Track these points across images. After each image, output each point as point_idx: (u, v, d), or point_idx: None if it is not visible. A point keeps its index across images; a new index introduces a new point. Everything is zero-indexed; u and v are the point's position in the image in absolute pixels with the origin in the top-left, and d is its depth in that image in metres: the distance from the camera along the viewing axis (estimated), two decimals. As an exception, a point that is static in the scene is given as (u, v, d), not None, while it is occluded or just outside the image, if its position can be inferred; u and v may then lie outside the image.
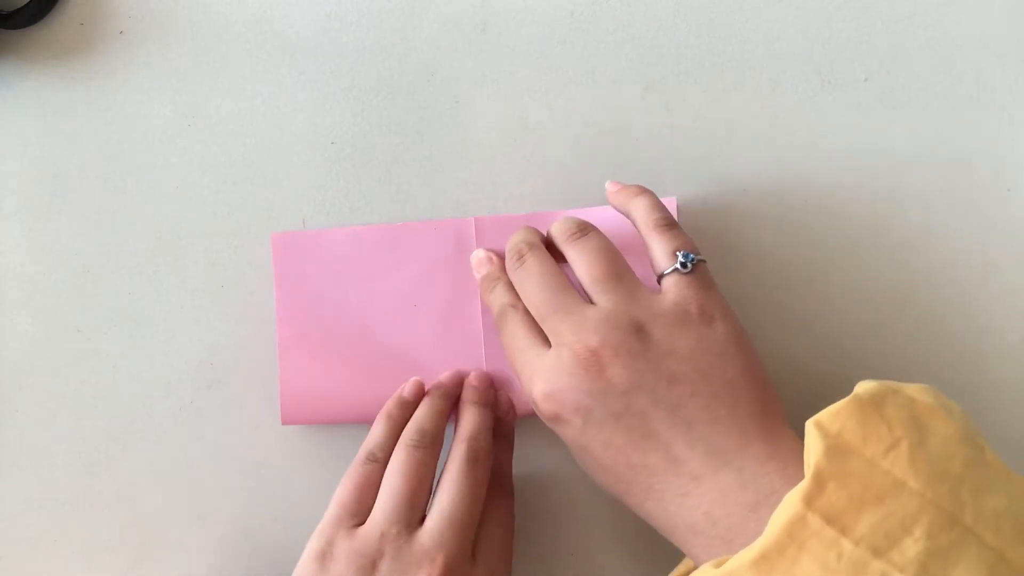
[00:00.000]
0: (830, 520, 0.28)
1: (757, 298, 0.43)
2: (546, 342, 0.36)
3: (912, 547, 0.27)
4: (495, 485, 0.39)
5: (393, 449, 0.39)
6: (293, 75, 0.43)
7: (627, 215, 0.39)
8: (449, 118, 0.43)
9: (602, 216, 0.42)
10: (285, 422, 0.42)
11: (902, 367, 0.43)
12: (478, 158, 0.43)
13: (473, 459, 0.38)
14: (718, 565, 0.30)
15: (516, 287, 0.38)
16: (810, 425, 0.30)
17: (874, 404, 0.30)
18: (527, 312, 0.38)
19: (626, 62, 0.44)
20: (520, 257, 0.38)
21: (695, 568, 0.33)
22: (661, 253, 0.36)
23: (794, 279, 0.43)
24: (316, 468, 0.43)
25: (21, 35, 0.43)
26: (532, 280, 0.37)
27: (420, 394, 0.41)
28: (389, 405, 0.41)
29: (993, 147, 0.44)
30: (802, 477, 0.29)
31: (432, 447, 0.39)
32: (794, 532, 0.28)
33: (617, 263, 0.37)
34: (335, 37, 0.43)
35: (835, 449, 0.29)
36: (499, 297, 0.39)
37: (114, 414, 0.43)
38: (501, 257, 0.41)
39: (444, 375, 0.42)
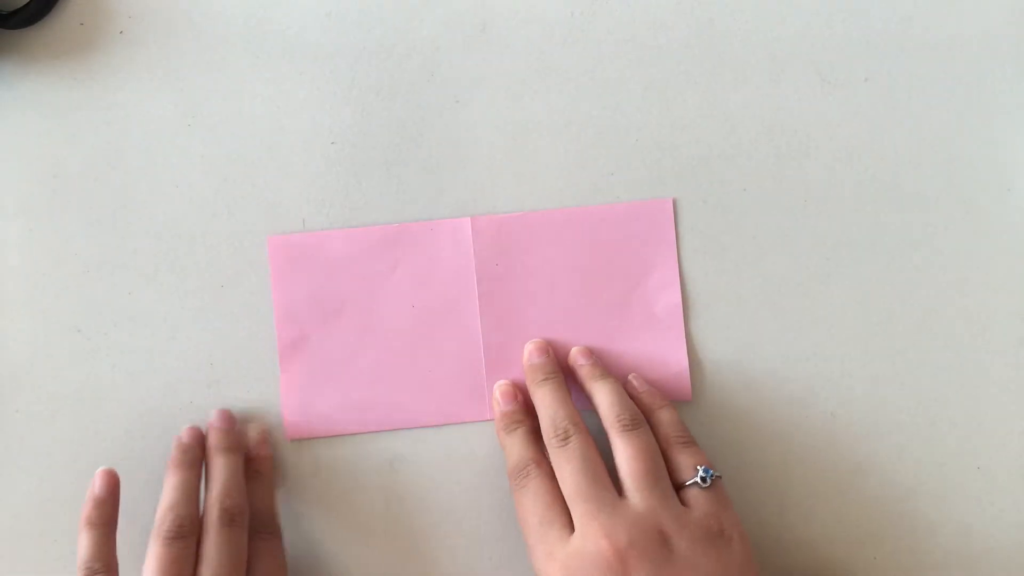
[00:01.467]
0: None
1: (757, 297, 0.43)
2: (569, 522, 0.37)
3: None
4: (258, 531, 0.40)
5: (112, 556, 0.39)
6: (293, 75, 0.43)
7: (649, 417, 0.40)
8: (449, 118, 0.43)
9: (599, 215, 0.42)
10: (290, 438, 0.42)
11: (902, 367, 0.43)
12: (478, 158, 0.43)
13: (228, 521, 0.39)
14: None
15: (555, 465, 0.39)
16: None
17: None
18: (552, 477, 0.39)
19: (626, 62, 0.44)
20: (565, 438, 0.39)
21: None
22: (684, 465, 0.38)
23: (794, 279, 0.43)
24: (316, 468, 0.43)
25: (21, 35, 0.43)
26: (573, 464, 0.38)
27: (115, 485, 0.40)
28: (87, 512, 0.39)
29: (993, 147, 0.44)
30: None
31: (192, 537, 0.38)
32: None
33: (659, 465, 0.38)
34: (335, 37, 0.43)
35: None
36: (521, 447, 0.40)
37: (114, 414, 0.43)
38: (524, 392, 0.42)
39: (183, 434, 0.41)
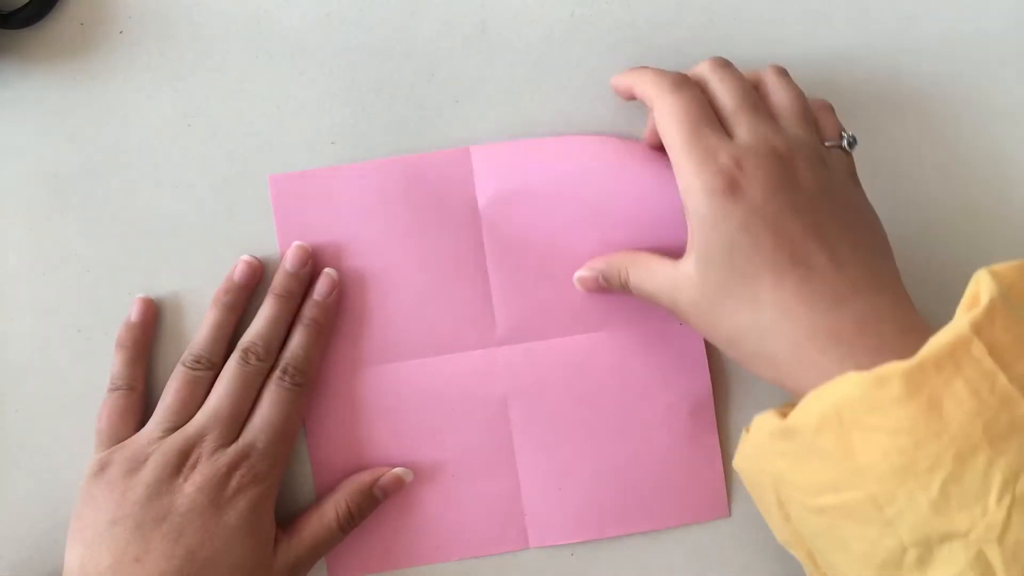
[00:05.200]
0: (993, 352, 0.29)
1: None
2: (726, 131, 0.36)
3: None
4: (283, 376, 0.40)
5: (218, 352, 0.41)
6: (293, 75, 0.43)
7: (760, 85, 0.39)
8: (449, 118, 0.43)
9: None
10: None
11: (902, 367, 0.43)
12: (478, 158, 0.43)
13: (243, 360, 0.40)
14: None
15: (708, 84, 0.38)
16: (984, 272, 0.31)
17: None
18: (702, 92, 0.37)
19: (626, 62, 0.44)
20: (720, 66, 0.38)
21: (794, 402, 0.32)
22: (832, 127, 0.38)
23: (794, 279, 0.43)
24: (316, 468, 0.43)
25: (21, 35, 0.43)
26: (730, 81, 0.37)
27: (253, 278, 0.42)
28: (218, 292, 0.42)
29: (993, 147, 0.44)
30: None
31: (265, 361, 0.40)
32: (956, 353, 0.29)
33: (809, 113, 0.38)
34: (335, 37, 0.43)
35: (1008, 294, 0.30)
36: (662, 75, 0.38)
37: (114, 414, 0.43)
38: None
39: (237, 268, 0.42)
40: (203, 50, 0.43)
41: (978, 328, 0.29)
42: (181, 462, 0.39)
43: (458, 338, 0.42)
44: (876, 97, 0.44)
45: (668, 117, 0.36)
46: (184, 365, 0.40)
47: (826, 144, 0.37)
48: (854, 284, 0.33)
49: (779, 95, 0.38)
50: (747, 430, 0.35)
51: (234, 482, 0.39)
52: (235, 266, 0.42)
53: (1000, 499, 0.28)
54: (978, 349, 0.29)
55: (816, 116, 0.38)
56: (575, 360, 0.42)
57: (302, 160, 0.43)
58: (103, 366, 0.42)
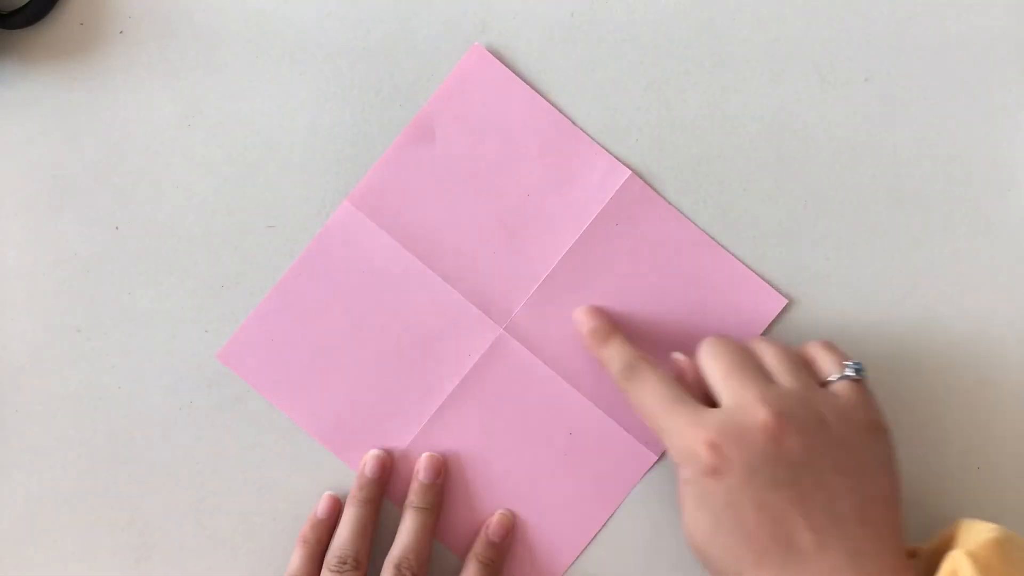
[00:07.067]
0: None
1: (757, 298, 0.43)
2: (703, 400, 0.36)
3: None
4: None
5: (363, 550, 0.40)
6: (293, 75, 0.43)
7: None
8: (449, 118, 0.43)
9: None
10: (218, 356, 0.42)
11: (902, 367, 0.43)
12: (478, 158, 0.43)
13: None
14: None
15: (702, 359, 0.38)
16: (961, 555, 0.32)
17: (1010, 543, 0.33)
18: (663, 370, 0.38)
19: (626, 62, 0.44)
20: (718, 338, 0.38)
21: None
22: (831, 362, 0.37)
23: (794, 279, 0.43)
24: (317, 468, 0.43)
25: (21, 35, 0.43)
26: (718, 349, 0.37)
27: (335, 511, 0.42)
28: (304, 529, 0.41)
29: (993, 147, 0.44)
30: None
31: (355, 571, 0.40)
32: None
33: (800, 360, 0.38)
34: (335, 37, 0.43)
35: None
36: (622, 351, 0.39)
37: (114, 414, 0.43)
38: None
39: (367, 464, 0.42)
40: (203, 50, 0.43)
41: None
42: None
43: (480, 292, 0.42)
44: (876, 96, 0.44)
45: (641, 402, 0.37)
46: (330, 569, 0.40)
47: (829, 380, 0.37)
48: (835, 567, 0.33)
49: (767, 353, 0.38)
50: None
51: None
52: (364, 462, 0.42)
53: None
54: None
55: (813, 357, 0.38)
56: (552, 401, 0.43)
57: (302, 160, 0.43)
58: (103, 366, 0.42)
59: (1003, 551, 0.33)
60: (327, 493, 0.42)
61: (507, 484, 0.42)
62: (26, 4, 0.42)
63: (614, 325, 0.41)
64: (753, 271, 0.43)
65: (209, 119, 0.43)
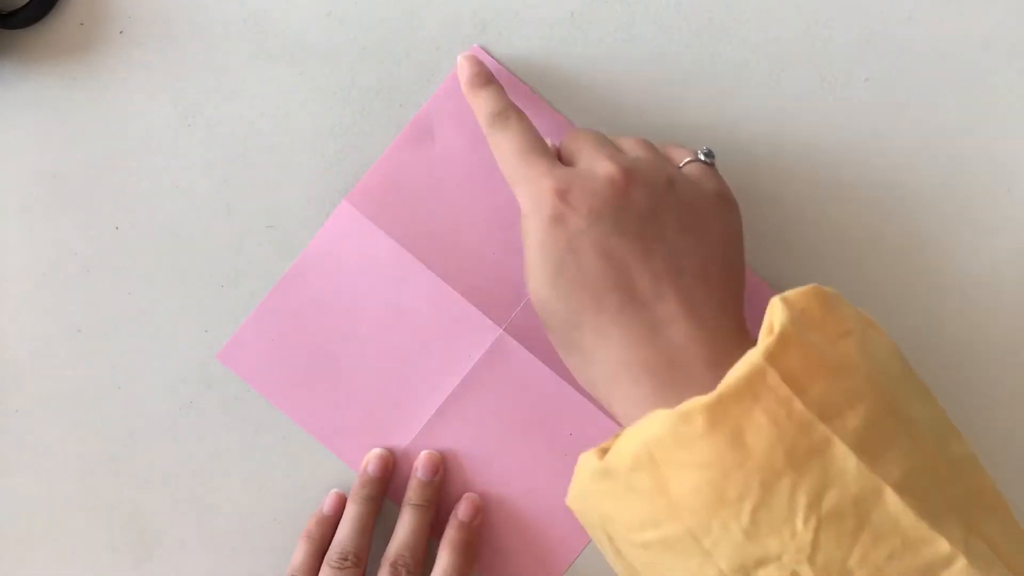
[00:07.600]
0: (787, 379, 0.29)
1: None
2: (560, 158, 0.37)
3: (853, 420, 0.29)
4: None
5: (363, 546, 0.40)
6: (293, 75, 0.43)
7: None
8: (449, 118, 0.43)
9: None
10: (218, 356, 0.42)
11: (902, 367, 0.43)
12: (478, 158, 0.43)
13: None
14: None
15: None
16: (777, 300, 0.31)
17: (834, 297, 0.32)
18: (530, 122, 0.38)
19: (626, 62, 0.44)
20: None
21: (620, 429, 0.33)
22: (684, 152, 0.38)
23: (794, 279, 0.43)
24: (317, 468, 0.43)
25: (21, 35, 0.43)
26: (579, 132, 0.38)
27: (340, 508, 0.42)
28: (309, 524, 0.41)
29: (993, 147, 0.44)
30: None
31: (355, 568, 0.40)
32: (753, 383, 0.29)
33: (655, 146, 0.38)
34: (335, 37, 0.43)
35: (799, 321, 0.30)
36: (495, 97, 0.38)
37: (114, 414, 0.43)
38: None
39: (369, 462, 0.42)
40: (203, 50, 0.43)
41: (772, 357, 0.29)
42: None
43: (480, 292, 0.42)
44: (876, 96, 0.44)
45: (501, 149, 0.37)
46: (330, 565, 0.40)
47: (680, 165, 0.37)
48: (673, 314, 0.33)
49: (625, 141, 0.38)
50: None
51: None
52: (367, 460, 0.42)
53: (807, 521, 0.28)
54: (773, 377, 0.29)
55: (667, 149, 0.39)
56: (552, 401, 0.42)
57: (303, 160, 0.43)
58: (103, 366, 0.42)
59: (821, 297, 0.32)
60: (334, 491, 0.42)
61: (507, 484, 0.42)
62: (26, 4, 0.42)
63: (492, 75, 0.40)
64: (753, 271, 0.43)
65: (209, 119, 0.43)
